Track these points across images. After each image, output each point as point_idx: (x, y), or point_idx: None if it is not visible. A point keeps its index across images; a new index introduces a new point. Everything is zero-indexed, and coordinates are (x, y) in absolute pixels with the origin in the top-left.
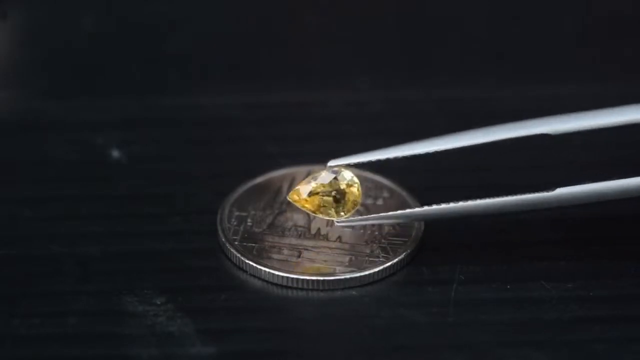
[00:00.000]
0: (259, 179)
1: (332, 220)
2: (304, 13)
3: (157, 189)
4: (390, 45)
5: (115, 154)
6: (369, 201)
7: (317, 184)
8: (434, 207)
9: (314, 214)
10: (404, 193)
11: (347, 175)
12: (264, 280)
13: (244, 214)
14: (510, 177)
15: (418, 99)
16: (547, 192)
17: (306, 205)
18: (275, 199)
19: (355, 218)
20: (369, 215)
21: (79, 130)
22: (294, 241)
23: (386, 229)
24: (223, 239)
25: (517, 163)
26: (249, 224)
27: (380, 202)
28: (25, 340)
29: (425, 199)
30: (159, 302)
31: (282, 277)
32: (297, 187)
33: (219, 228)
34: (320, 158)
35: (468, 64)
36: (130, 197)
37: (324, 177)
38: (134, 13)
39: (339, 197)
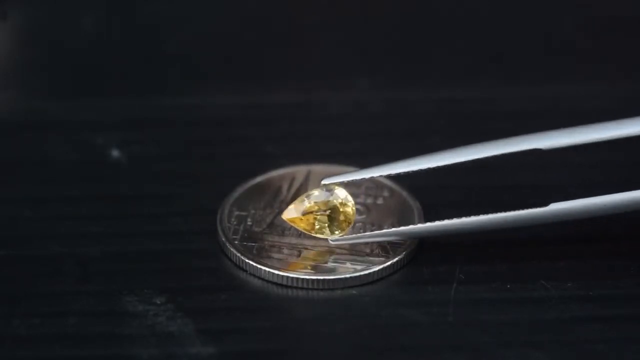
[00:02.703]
0: (259, 179)
1: (327, 239)
2: (304, 13)
3: (157, 189)
4: (390, 45)
5: (115, 154)
6: (369, 200)
7: (311, 202)
8: (428, 224)
9: (308, 233)
10: (404, 192)
11: (341, 193)
12: (264, 279)
13: (243, 213)
14: (509, 176)
15: (418, 99)
16: (542, 207)
17: (300, 225)
18: (275, 199)
19: (350, 236)
20: (362, 234)
21: (79, 130)
22: (294, 240)
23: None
24: (223, 239)
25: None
26: (249, 223)
27: (380, 201)
28: (25, 340)
29: (425, 198)
30: (159, 302)
31: (282, 276)
32: (290, 206)
33: (219, 228)
34: (320, 158)
35: (468, 64)
36: (130, 197)
37: (318, 195)
38: (133, 13)
39: (333, 216)
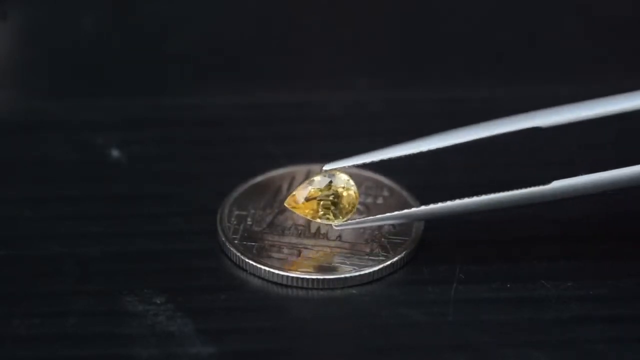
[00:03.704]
0: (259, 179)
1: (330, 224)
2: (304, 13)
3: (157, 189)
4: (390, 45)
5: (115, 154)
6: (369, 200)
7: (313, 188)
8: (431, 206)
9: (311, 219)
10: (404, 192)
11: (343, 178)
12: (263, 279)
13: (243, 213)
14: (508, 173)
15: (418, 99)
16: (544, 185)
17: (303, 211)
18: (275, 198)
19: (353, 221)
20: (366, 218)
21: (79, 130)
22: (293, 240)
23: (386, 227)
24: (223, 239)
25: (513, 158)
26: (249, 223)
27: (380, 200)
28: (25, 340)
29: (425, 196)
30: (159, 302)
31: (282, 276)
32: (293, 193)
33: (219, 227)
34: (320, 158)
35: (468, 63)
36: (130, 197)
37: (320, 181)
38: (134, 13)
39: (336, 201)
